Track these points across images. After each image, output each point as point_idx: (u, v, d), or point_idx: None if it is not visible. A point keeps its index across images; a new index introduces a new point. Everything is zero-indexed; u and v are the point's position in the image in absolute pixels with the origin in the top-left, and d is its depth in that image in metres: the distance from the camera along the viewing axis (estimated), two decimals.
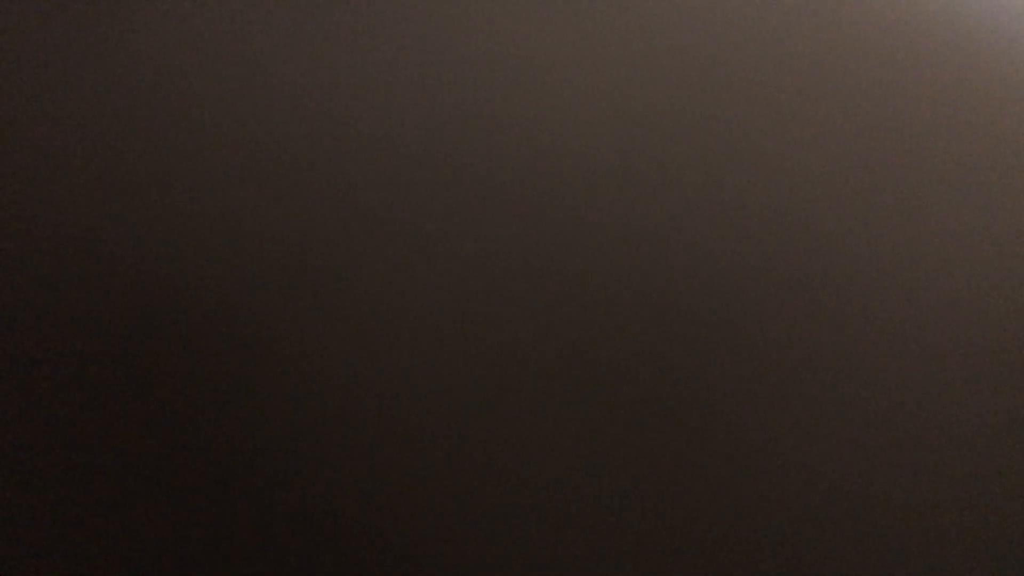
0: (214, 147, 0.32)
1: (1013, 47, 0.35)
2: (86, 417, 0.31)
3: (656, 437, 0.31)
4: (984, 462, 0.31)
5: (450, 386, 0.31)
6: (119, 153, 0.33)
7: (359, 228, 0.32)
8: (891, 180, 0.33)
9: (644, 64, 0.33)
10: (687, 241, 0.32)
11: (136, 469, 0.31)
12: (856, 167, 0.33)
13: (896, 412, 0.31)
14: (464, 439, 0.31)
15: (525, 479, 0.31)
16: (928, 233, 0.32)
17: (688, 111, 0.33)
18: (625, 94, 0.33)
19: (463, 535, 0.31)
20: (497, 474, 0.31)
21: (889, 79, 0.34)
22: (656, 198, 0.32)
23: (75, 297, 0.32)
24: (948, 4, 0.35)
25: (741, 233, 0.32)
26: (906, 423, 0.31)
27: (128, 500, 0.31)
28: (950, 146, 0.33)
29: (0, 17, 0.34)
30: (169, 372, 0.31)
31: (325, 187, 0.32)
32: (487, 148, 0.32)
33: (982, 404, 0.32)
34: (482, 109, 0.33)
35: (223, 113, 0.33)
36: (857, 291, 0.32)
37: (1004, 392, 0.32)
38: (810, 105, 0.33)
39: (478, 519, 0.31)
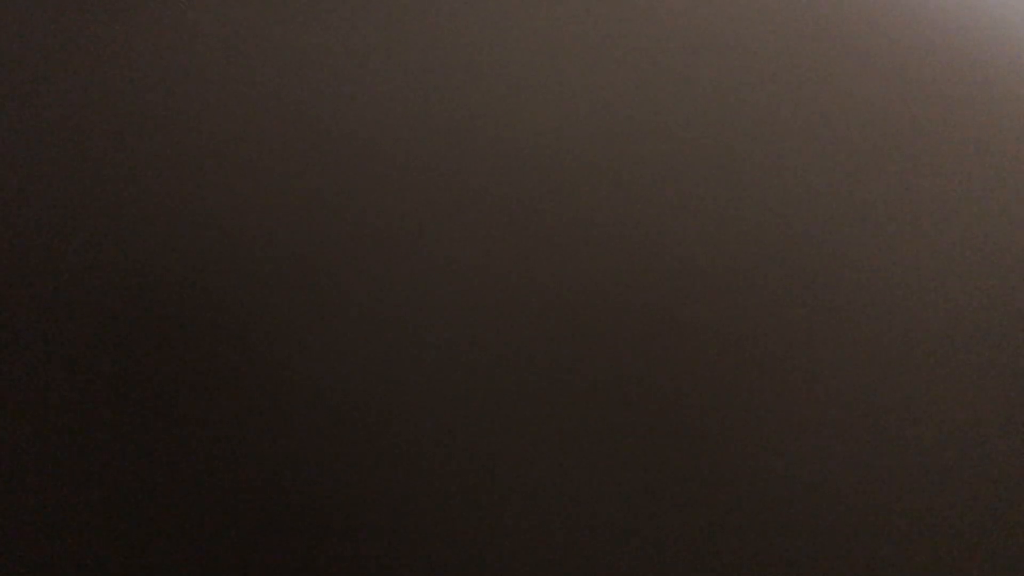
0: (212, 148, 0.32)
1: (1012, 49, 0.35)
2: (84, 417, 0.31)
3: (651, 441, 0.31)
4: (982, 464, 0.31)
5: (443, 390, 0.31)
6: (117, 154, 0.33)
7: (355, 231, 0.32)
8: (886, 183, 0.33)
9: (638, 69, 0.33)
10: (681, 245, 0.32)
11: (133, 469, 0.31)
12: (852, 170, 0.33)
13: (894, 416, 0.31)
14: (458, 444, 0.31)
15: (520, 482, 0.31)
16: (925, 237, 0.32)
17: (683, 116, 0.33)
18: (619, 99, 0.33)
19: (457, 539, 0.31)
20: (492, 480, 0.31)
21: (884, 81, 0.34)
22: (650, 203, 0.32)
23: (72, 297, 0.32)
24: (946, 6, 0.35)
25: (736, 237, 0.32)
26: (904, 427, 0.31)
27: (125, 500, 0.31)
28: (947, 150, 0.33)
29: (0, 17, 0.34)
30: (166, 373, 0.31)
31: (319, 190, 0.32)
32: (483, 152, 0.32)
33: (980, 407, 0.32)
34: (477, 112, 0.33)
35: (221, 114, 0.33)
36: (854, 295, 0.32)
37: (1002, 395, 0.32)
38: (805, 109, 0.33)
39: (473, 524, 0.31)
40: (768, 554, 0.31)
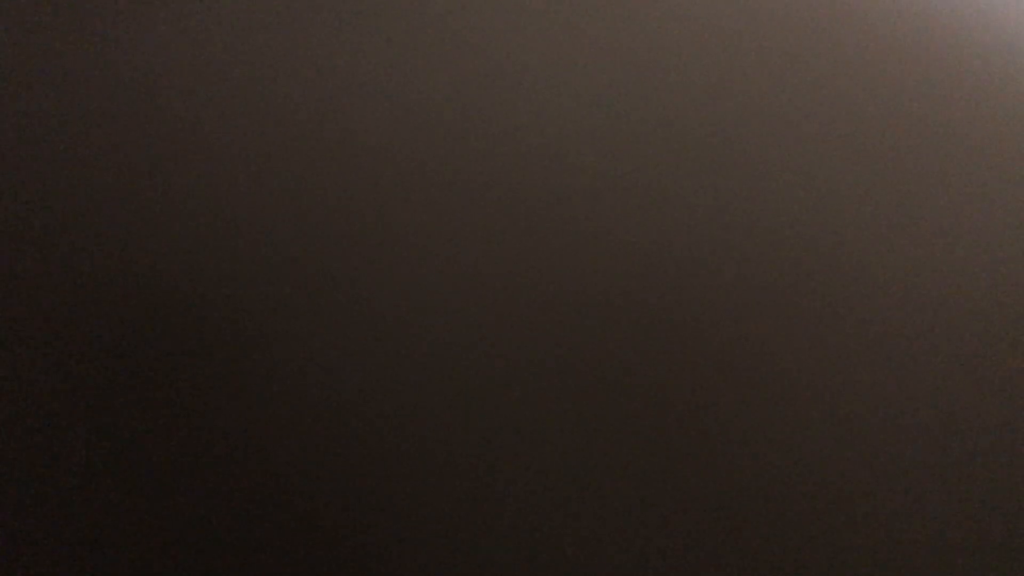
0: (212, 148, 0.32)
1: (1012, 49, 0.35)
2: (84, 418, 0.31)
3: (651, 441, 0.31)
4: (980, 465, 0.31)
5: (444, 390, 0.31)
6: (118, 154, 0.33)
7: (356, 231, 0.32)
8: (885, 184, 0.33)
9: (637, 70, 0.33)
10: (679, 246, 0.32)
11: (133, 470, 0.31)
12: (852, 170, 0.33)
13: (891, 417, 0.31)
14: (459, 444, 0.31)
15: (518, 484, 0.31)
16: (924, 237, 0.32)
17: (681, 116, 0.33)
18: (619, 100, 0.33)
19: (457, 540, 0.31)
20: (491, 480, 0.31)
21: (884, 82, 0.34)
22: (651, 202, 0.32)
23: (73, 298, 0.32)
24: (945, 6, 0.35)
25: (736, 236, 0.32)
26: (902, 428, 0.31)
27: (125, 501, 0.31)
28: (946, 150, 0.33)
29: (0, 17, 0.34)
30: (165, 374, 0.31)
31: (322, 189, 0.32)
32: (483, 153, 0.32)
33: (978, 408, 0.32)
34: (478, 113, 0.33)
35: (222, 114, 0.33)
36: (854, 296, 0.32)
37: (999, 396, 0.32)
38: (805, 109, 0.33)
39: (472, 525, 0.31)
40: (769, 553, 0.31)
